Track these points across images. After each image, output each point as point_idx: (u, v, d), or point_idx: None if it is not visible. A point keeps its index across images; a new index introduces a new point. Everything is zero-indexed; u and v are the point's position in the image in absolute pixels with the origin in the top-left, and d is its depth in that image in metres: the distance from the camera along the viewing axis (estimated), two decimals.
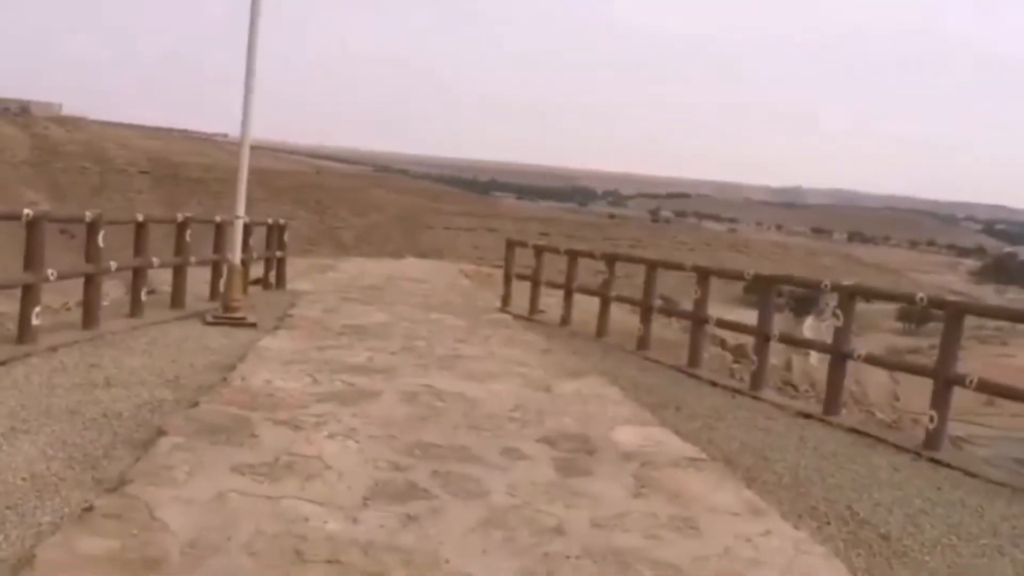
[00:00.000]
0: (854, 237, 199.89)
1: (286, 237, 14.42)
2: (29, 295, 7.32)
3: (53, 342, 7.71)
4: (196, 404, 5.83)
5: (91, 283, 8.52)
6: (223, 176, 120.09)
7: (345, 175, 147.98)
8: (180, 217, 10.48)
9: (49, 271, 7.65)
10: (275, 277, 14.17)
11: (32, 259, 7.31)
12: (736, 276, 10.25)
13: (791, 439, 6.87)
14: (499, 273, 16.72)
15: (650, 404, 7.65)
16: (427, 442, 5.44)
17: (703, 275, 9.81)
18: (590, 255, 12.87)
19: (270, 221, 14.06)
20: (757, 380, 8.73)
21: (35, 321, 7.40)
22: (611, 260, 11.96)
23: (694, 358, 9.81)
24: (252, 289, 13.76)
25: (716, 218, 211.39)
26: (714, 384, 9.09)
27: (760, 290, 8.97)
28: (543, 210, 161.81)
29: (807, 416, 7.75)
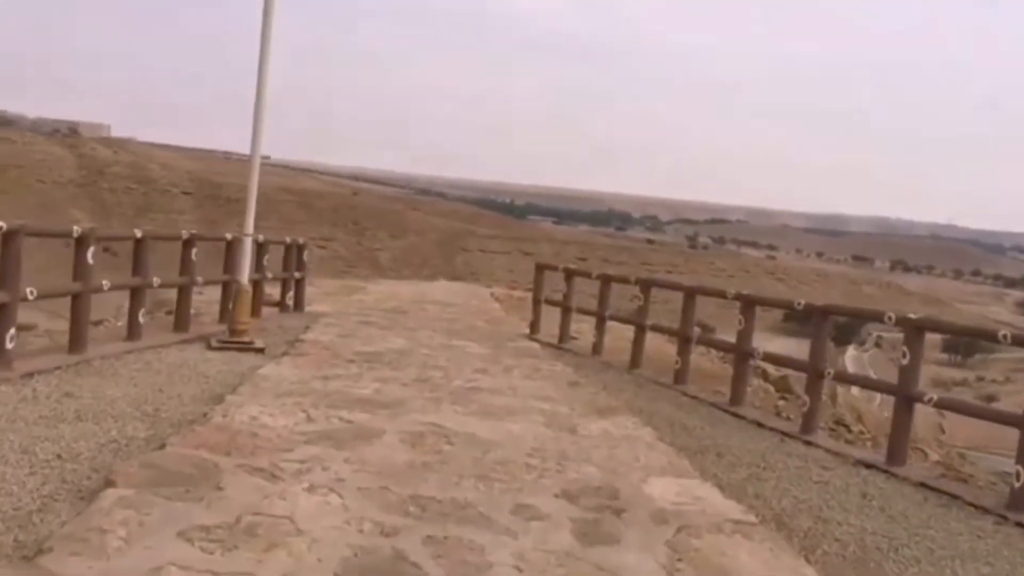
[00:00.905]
0: (896, 266, 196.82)
1: (305, 257, 13.73)
2: (2, 316, 6.64)
3: (30, 367, 7.02)
4: (163, 446, 5.07)
5: (78, 302, 7.84)
6: (262, 197, 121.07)
7: (383, 197, 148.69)
8: (185, 234, 9.80)
9: (28, 290, 6.97)
10: (293, 299, 13.47)
11: (5, 277, 6.63)
12: (784, 305, 9.38)
13: (852, 496, 5.97)
14: (531, 297, 15.92)
15: (688, 449, 6.78)
16: (426, 496, 4.64)
17: (748, 304, 8.92)
18: (624, 280, 12.03)
19: (287, 240, 13.39)
20: (809, 422, 7.82)
21: (8, 345, 6.72)
22: (646, 286, 11.11)
23: (737, 395, 8.91)
24: (268, 311, 13.10)
25: (754, 244, 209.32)
26: (759, 425, 8.18)
27: (812, 321, 8.06)
28: (580, 234, 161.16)
29: (868, 466, 6.83)
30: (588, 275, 12.79)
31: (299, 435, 5.60)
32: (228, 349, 9.39)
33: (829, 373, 7.78)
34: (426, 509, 4.45)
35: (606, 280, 12.07)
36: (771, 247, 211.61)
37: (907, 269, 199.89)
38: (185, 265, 9.90)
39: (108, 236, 9.59)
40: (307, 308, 14.67)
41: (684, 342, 9.96)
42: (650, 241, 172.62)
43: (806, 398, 7.91)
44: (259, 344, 9.65)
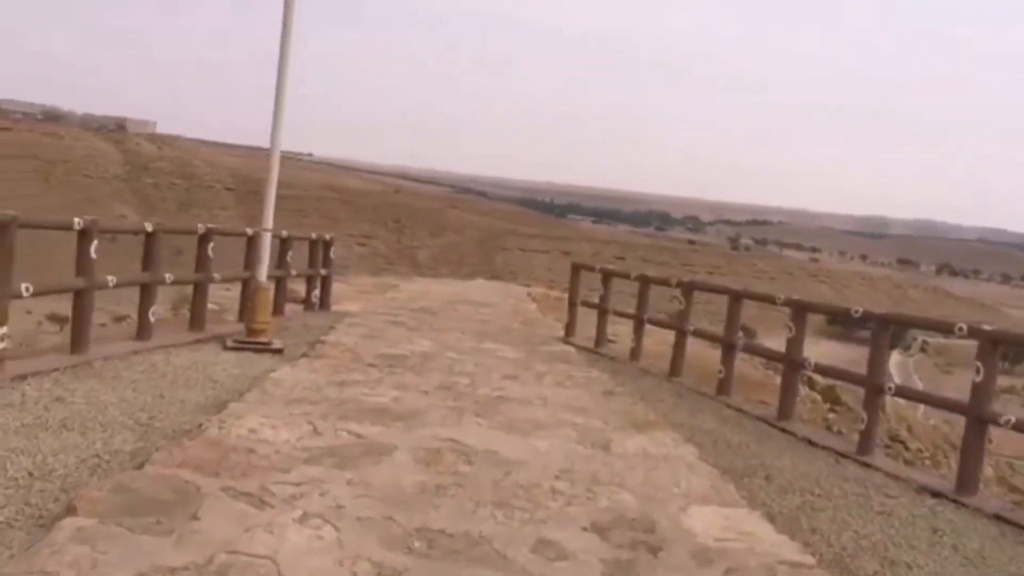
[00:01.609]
0: (942, 270, 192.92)
1: (332, 253, 13.22)
2: None
3: (23, 370, 6.55)
4: (142, 464, 4.54)
5: (81, 300, 7.37)
6: (303, 194, 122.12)
7: (424, 195, 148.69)
8: (202, 228, 9.32)
9: (24, 286, 6.50)
10: (319, 297, 12.98)
11: None
12: (840, 313, 8.67)
13: (921, 531, 5.28)
14: (567, 297, 15.31)
15: (733, 471, 6.14)
16: (435, 529, 4.06)
17: (798, 310, 8.23)
18: (665, 283, 11.37)
19: (313, 236, 12.89)
20: (866, 441, 7.12)
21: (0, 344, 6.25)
22: (688, 289, 10.45)
23: (785, 408, 8.23)
24: (292, 309, 12.63)
25: (797, 246, 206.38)
26: (811, 443, 7.49)
27: (871, 330, 7.33)
28: (620, 234, 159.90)
29: (935, 494, 6.12)
30: (626, 276, 12.15)
31: (300, 452, 5.05)
32: (244, 350, 8.90)
33: (890, 388, 7.08)
34: (434, 545, 3.88)
35: (645, 282, 11.41)
36: (814, 249, 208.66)
37: (953, 273, 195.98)
38: (200, 261, 9.42)
39: (112, 229, 9.13)
40: (335, 306, 14.21)
41: (728, 350, 9.29)
42: (691, 242, 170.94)
43: (863, 414, 7.20)
44: (277, 345, 9.16)
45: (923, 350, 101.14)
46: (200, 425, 5.41)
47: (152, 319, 8.46)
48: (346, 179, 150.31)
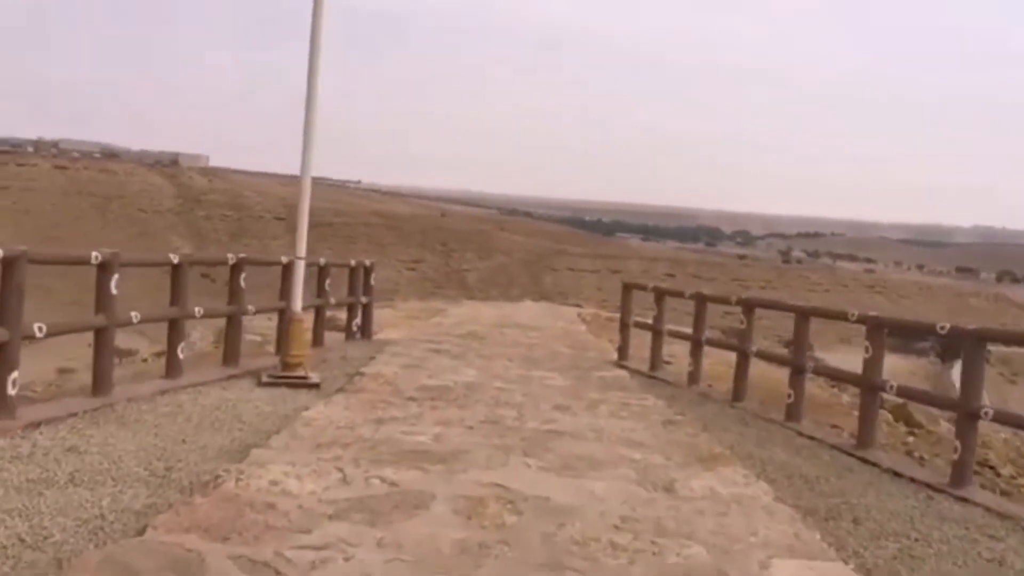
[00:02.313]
0: (1003, 277, 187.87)
1: (372, 280, 12.75)
2: (1, 357, 5.74)
3: (38, 416, 6.11)
4: (143, 530, 4.01)
5: (101, 338, 6.93)
6: (353, 221, 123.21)
7: (471, 218, 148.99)
8: (232, 258, 8.88)
9: (36, 326, 6.08)
10: (359, 325, 12.51)
11: (5, 311, 5.73)
12: (924, 330, 7.91)
13: None
14: (619, 318, 14.67)
15: (816, 513, 5.45)
16: None
17: (875, 327, 7.50)
18: (724, 300, 10.68)
19: (352, 263, 12.44)
20: (961, 472, 6.37)
21: (11, 391, 5.81)
22: (749, 307, 9.75)
23: (865, 437, 7.49)
24: (333, 338, 12.17)
25: (851, 258, 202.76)
26: (896, 475, 6.75)
27: (962, 347, 6.58)
28: (669, 251, 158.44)
29: None
30: (681, 295, 11.48)
31: (326, 505, 4.49)
32: (279, 385, 8.42)
33: (987, 413, 6.32)
34: None
35: (702, 300, 10.73)
36: (869, 260, 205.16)
37: (1015, 280, 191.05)
38: (234, 293, 8.98)
39: (135, 262, 8.73)
40: (379, 334, 13.75)
41: (797, 372, 8.57)
42: (741, 256, 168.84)
43: (956, 443, 6.45)
44: (314, 379, 8.67)
45: (987, 360, 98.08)
46: (217, 477, 4.88)
47: (181, 355, 8.01)
48: (393, 205, 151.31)
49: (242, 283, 9.00)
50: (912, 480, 6.59)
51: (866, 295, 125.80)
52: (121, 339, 9.22)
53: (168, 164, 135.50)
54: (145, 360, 16.69)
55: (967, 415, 6.39)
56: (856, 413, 12.80)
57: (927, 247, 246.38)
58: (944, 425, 12.91)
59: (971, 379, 6.43)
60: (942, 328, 6.85)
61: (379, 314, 19.51)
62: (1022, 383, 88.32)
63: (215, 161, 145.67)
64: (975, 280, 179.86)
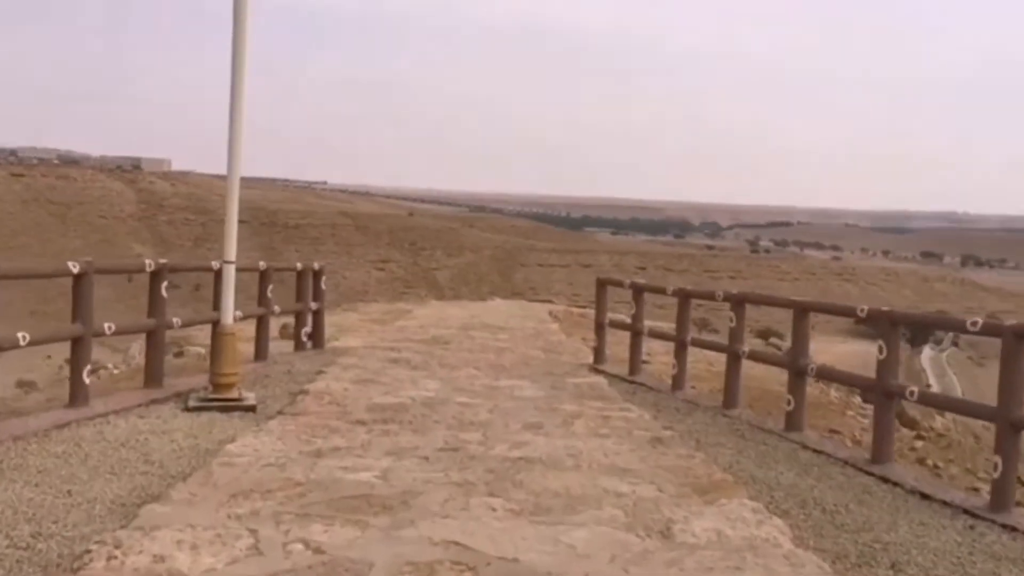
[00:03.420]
0: (967, 261, 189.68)
1: (323, 284, 11.62)
2: None
3: None
4: None
5: None
6: (320, 222, 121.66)
7: (439, 216, 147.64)
8: (151, 264, 7.73)
9: None
10: (309, 334, 11.38)
11: None
12: (953, 327, 6.92)
13: None
14: (592, 314, 13.69)
15: (844, 557, 4.46)
16: None
17: (891, 324, 6.50)
18: (709, 297, 9.68)
19: (299, 266, 11.29)
20: (1002, 495, 5.41)
21: None
22: (739, 303, 8.76)
23: (881, 449, 6.51)
24: (280, 349, 11.04)
25: (818, 246, 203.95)
26: (925, 497, 5.78)
27: (1005, 344, 5.55)
28: (639, 244, 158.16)
29: None
30: (662, 291, 10.47)
31: None
32: (209, 409, 7.30)
33: None
34: None
35: (685, 297, 9.72)
36: (835, 248, 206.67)
37: (979, 264, 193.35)
38: (154, 304, 7.84)
39: (28, 274, 7.57)
40: (336, 342, 12.62)
41: (797, 376, 7.59)
42: (710, 247, 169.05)
43: (997, 460, 5.48)
44: (250, 400, 7.55)
45: (955, 344, 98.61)
46: (87, 552, 3.78)
47: (87, 380, 6.86)
48: (361, 205, 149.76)
49: (163, 292, 7.85)
50: (945, 504, 5.62)
51: (835, 283, 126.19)
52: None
53: (130, 169, 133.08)
54: (115, 372, 15.38)
55: (1009, 426, 5.43)
56: (851, 413, 12.07)
57: (892, 233, 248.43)
58: (939, 421, 12.05)
59: (1011, 382, 5.46)
60: (973, 325, 5.86)
61: (341, 319, 18.45)
62: (990, 366, 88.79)
63: (177, 165, 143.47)
64: (940, 265, 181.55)
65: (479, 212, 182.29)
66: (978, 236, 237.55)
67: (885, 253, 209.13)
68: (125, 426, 6.51)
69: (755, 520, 4.79)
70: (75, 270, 6.64)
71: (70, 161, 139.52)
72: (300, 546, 3.93)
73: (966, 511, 5.47)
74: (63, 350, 7.49)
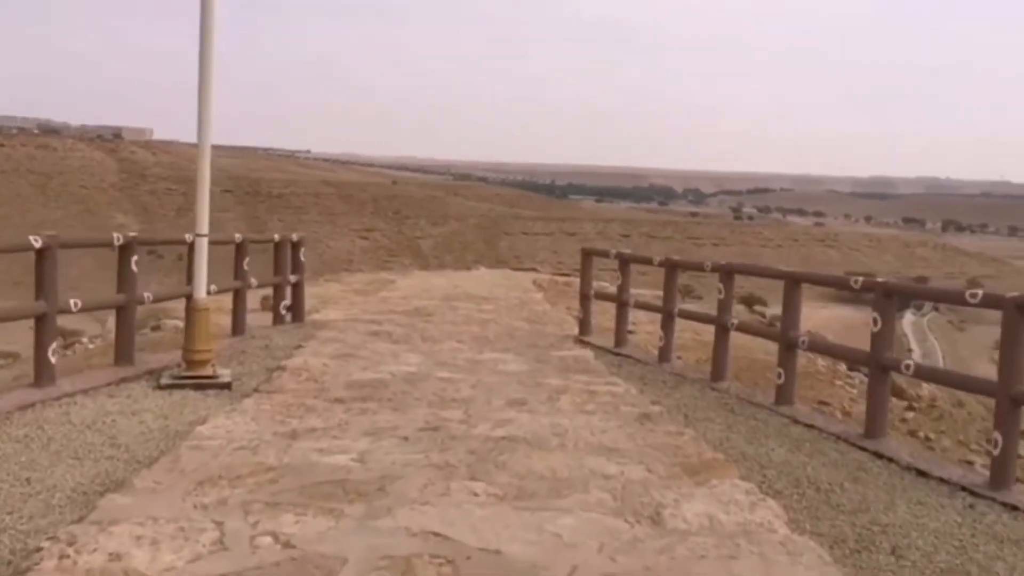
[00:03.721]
0: (948, 226, 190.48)
1: (302, 255, 11.31)
2: None
3: None
4: None
5: None
6: (303, 191, 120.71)
7: (423, 185, 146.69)
8: (119, 238, 7.42)
9: None
10: (289, 307, 11.09)
11: None
12: (950, 298, 6.73)
13: None
14: (577, 282, 13.45)
15: (843, 541, 4.27)
16: None
17: (885, 295, 6.30)
18: (698, 268, 9.46)
19: (276, 237, 10.98)
20: (1004, 472, 5.24)
21: None
22: (728, 273, 8.54)
23: (875, 424, 6.33)
24: (260, 323, 10.78)
25: (801, 212, 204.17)
26: (920, 473, 5.61)
27: (1005, 316, 5.35)
28: (623, 212, 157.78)
29: None
30: (649, 261, 10.23)
31: None
32: (183, 387, 7.04)
33: None
34: None
35: (672, 267, 9.49)
36: (818, 214, 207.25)
37: (960, 229, 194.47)
38: (123, 279, 7.54)
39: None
40: (316, 315, 12.36)
41: (788, 349, 7.39)
42: (693, 214, 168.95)
43: (997, 436, 5.30)
44: (225, 377, 7.30)
45: (936, 309, 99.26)
46: (38, 550, 3.54)
47: (53, 358, 6.57)
48: (344, 174, 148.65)
49: (133, 267, 7.55)
50: (942, 481, 5.44)
51: (818, 249, 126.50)
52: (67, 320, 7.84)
53: (111, 139, 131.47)
54: (90, 346, 15.04)
55: (1010, 401, 5.24)
56: (839, 383, 11.93)
57: (874, 199, 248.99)
58: (926, 388, 11.92)
59: (1012, 357, 5.26)
60: (972, 296, 5.65)
61: (323, 290, 18.13)
62: (969, 330, 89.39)
63: (159, 134, 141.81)
64: (921, 230, 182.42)
65: (463, 180, 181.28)
66: (960, 201, 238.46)
67: (867, 219, 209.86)
68: (93, 407, 6.25)
69: (748, 502, 4.60)
70: (37, 245, 6.33)
71: (50, 131, 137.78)
72: (268, 539, 3.70)
73: (964, 488, 5.30)
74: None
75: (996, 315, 5.33)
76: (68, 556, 3.41)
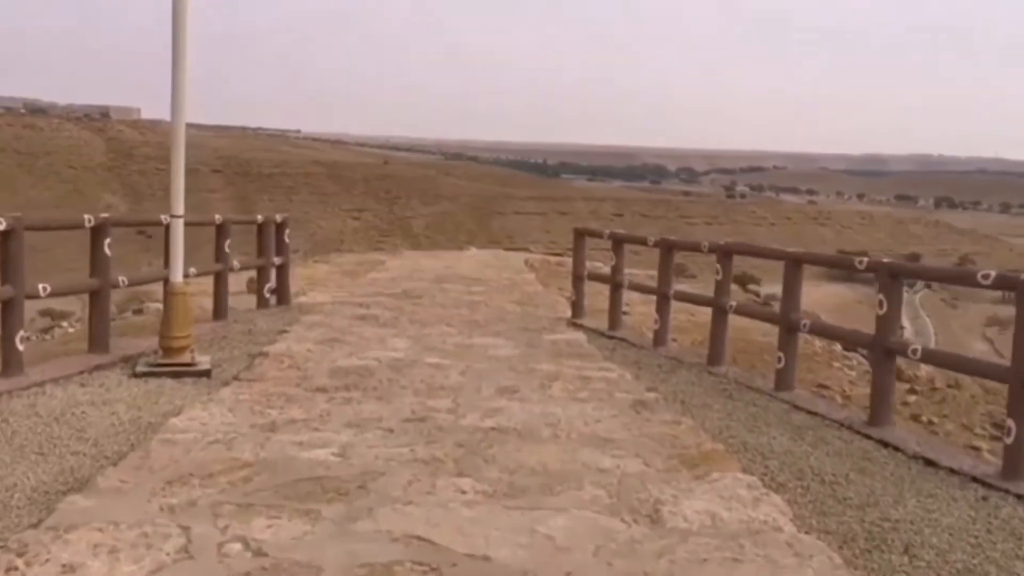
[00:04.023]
0: (941, 203, 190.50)
1: (287, 237, 11.00)
2: None
3: None
4: None
5: None
6: (294, 171, 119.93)
7: (415, 164, 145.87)
8: (90, 220, 7.10)
9: None
10: (273, 290, 10.79)
11: None
12: (962, 279, 6.47)
13: None
14: (569, 262, 13.17)
15: (852, 540, 4.03)
16: None
17: (891, 277, 6.03)
18: (695, 248, 9.18)
19: (260, 218, 10.66)
20: (1015, 461, 4.99)
21: None
22: (725, 254, 8.26)
23: (880, 411, 6.09)
24: (246, 305, 10.49)
25: (794, 190, 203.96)
26: (930, 463, 5.37)
27: (1022, 300, 5.08)
28: (615, 191, 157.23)
29: None
30: (643, 242, 9.95)
31: None
32: (160, 375, 6.77)
33: None
34: None
35: (668, 248, 9.22)
36: (811, 192, 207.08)
37: (953, 206, 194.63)
38: (96, 263, 7.24)
39: None
40: (303, 297, 12.10)
41: (788, 332, 7.14)
42: (686, 193, 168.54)
43: (1010, 423, 5.05)
44: (204, 364, 7.02)
45: (928, 286, 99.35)
46: None
47: (20, 346, 6.27)
48: (335, 154, 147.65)
49: (107, 250, 7.24)
50: (952, 471, 5.20)
51: (811, 227, 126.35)
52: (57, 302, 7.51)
53: (98, 118, 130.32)
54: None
55: (1022, 386, 4.98)
56: (837, 364, 11.69)
57: (867, 176, 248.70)
58: (924, 368, 11.68)
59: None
60: (985, 277, 5.38)
61: (311, 271, 17.85)
62: (962, 307, 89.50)
63: (147, 114, 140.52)
64: (914, 207, 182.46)
65: (455, 160, 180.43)
66: (952, 178, 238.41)
67: (860, 196, 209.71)
68: (62, 396, 5.97)
69: (751, 498, 4.34)
70: (1, 227, 6.02)
71: (37, 110, 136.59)
72: (238, 546, 3.43)
73: (976, 479, 5.05)
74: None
75: (989, 293, 5.09)
76: (16, 568, 3.13)
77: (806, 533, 3.98)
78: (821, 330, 7.50)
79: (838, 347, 12.30)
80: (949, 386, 10.69)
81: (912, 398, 8.65)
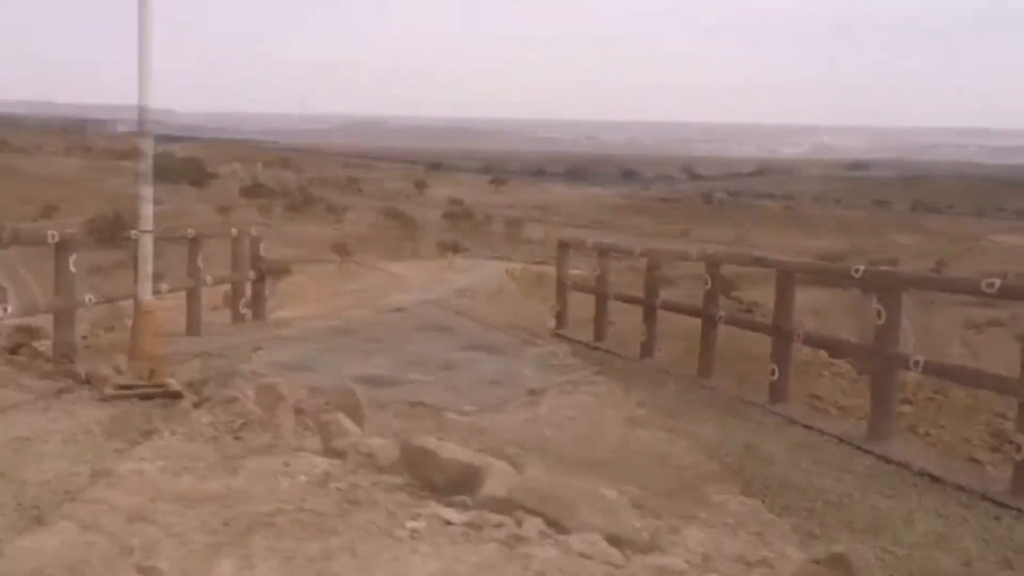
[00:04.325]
0: (917, 207, 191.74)
1: (262, 250, 10.66)
2: None
3: None
4: None
5: None
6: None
7: (392, 175, 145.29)
8: (53, 235, 6.78)
9: None
10: (248, 306, 10.47)
11: None
12: (964, 288, 6.26)
13: None
14: (552, 271, 12.89)
15: (866, 569, 3.77)
16: None
17: (891, 288, 5.80)
18: (683, 257, 8.94)
19: (234, 232, 10.34)
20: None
21: None
22: (714, 264, 8.04)
23: (880, 425, 5.87)
24: (218, 320, 10.17)
25: (771, 196, 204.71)
26: (935, 479, 5.13)
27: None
28: (594, 195, 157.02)
29: None
30: (629, 253, 9.71)
31: None
32: (128, 397, 6.42)
33: None
34: None
35: (655, 257, 8.98)
36: (788, 197, 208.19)
37: (928, 210, 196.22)
38: (61, 280, 6.91)
39: None
40: (281, 311, 11.80)
41: (783, 341, 6.91)
42: (665, 200, 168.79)
43: (1020, 440, 4.83)
44: (175, 386, 6.67)
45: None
46: None
47: None
48: None
49: (72, 267, 6.91)
50: (959, 488, 4.98)
51: (789, 232, 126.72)
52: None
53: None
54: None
55: None
56: (826, 373, 11.47)
57: (844, 182, 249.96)
58: (911, 375, 11.47)
59: None
60: (988, 285, 5.17)
61: (292, 282, 17.62)
62: (940, 309, 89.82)
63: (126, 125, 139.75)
64: (890, 211, 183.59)
65: (434, 169, 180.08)
66: (929, 183, 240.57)
67: (837, 202, 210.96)
68: (14, 425, 5.57)
69: (755, 524, 4.12)
70: None
71: (13, 124, 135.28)
72: None
73: (985, 497, 4.83)
74: None
75: (965, 296, 4.87)
76: None
77: (816, 565, 3.72)
78: (817, 341, 7.28)
79: (823, 354, 12.10)
80: (936, 393, 10.50)
81: (907, 408, 8.41)
